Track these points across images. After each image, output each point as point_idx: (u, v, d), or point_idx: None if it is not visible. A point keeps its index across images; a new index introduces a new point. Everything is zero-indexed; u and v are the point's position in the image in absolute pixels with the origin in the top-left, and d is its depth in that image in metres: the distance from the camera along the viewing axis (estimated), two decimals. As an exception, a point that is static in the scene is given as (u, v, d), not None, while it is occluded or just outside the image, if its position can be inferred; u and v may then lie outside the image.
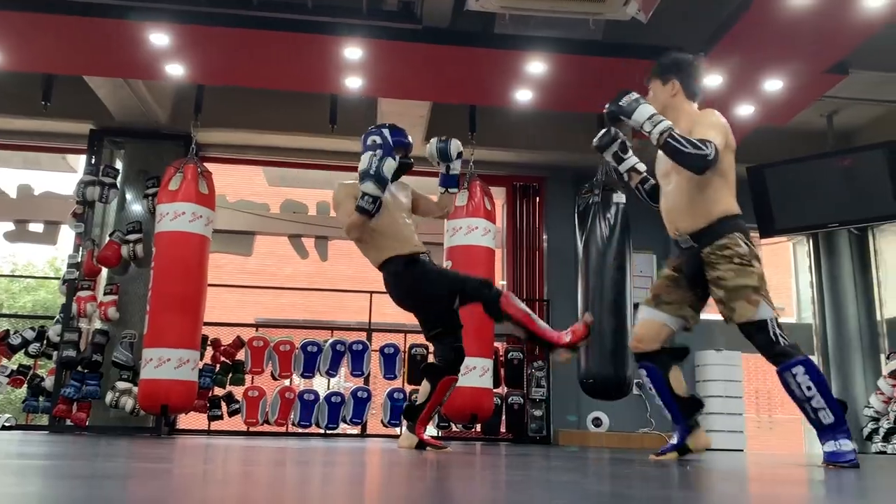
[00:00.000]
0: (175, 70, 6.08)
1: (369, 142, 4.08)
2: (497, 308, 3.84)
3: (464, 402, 6.13)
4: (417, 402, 4.08)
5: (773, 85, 6.10)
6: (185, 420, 7.44)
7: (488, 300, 3.87)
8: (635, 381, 6.09)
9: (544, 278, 8.00)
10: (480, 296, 3.91)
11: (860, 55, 5.91)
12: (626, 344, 5.78)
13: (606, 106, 3.24)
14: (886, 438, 7.80)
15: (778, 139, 7.82)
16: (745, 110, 6.55)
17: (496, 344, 6.85)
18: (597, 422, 7.24)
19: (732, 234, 3.17)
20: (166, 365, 5.81)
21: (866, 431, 8.11)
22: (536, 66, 5.92)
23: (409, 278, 4.00)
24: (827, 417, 2.94)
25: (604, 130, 3.62)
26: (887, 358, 8.30)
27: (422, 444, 4.03)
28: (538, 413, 7.22)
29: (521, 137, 7.71)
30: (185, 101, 7.17)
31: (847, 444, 2.92)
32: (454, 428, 7.07)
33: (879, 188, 7.01)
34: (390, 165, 3.76)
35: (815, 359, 8.94)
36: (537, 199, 8.31)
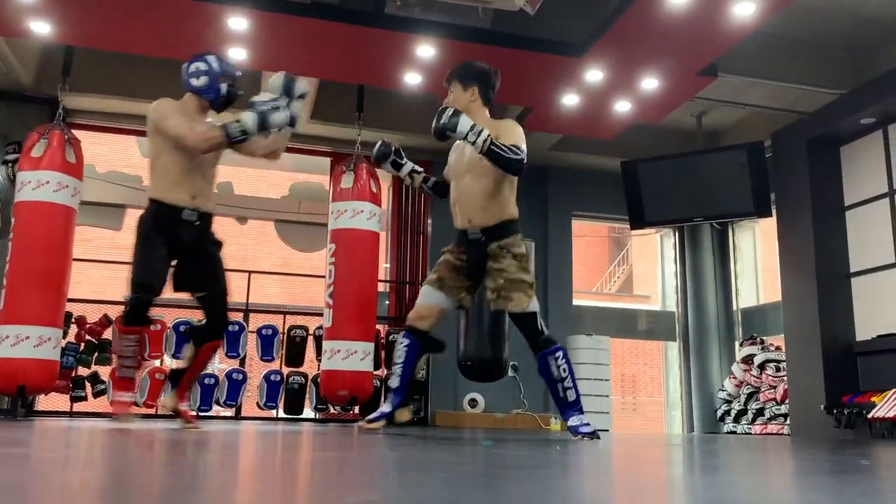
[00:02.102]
0: (41, 28, 5.66)
1: (192, 69, 3.81)
2: None
3: (343, 384, 6.11)
4: (180, 367, 4.01)
5: (650, 83, 6.40)
6: (46, 401, 7.02)
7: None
8: (511, 363, 6.27)
9: (428, 262, 8.08)
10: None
11: (728, 60, 6.30)
12: (504, 329, 5.95)
13: (433, 126, 3.57)
14: (737, 419, 8.43)
15: (651, 136, 8.23)
16: (623, 107, 6.84)
17: (378, 326, 6.86)
18: (472, 403, 7.42)
19: (516, 235, 3.65)
20: (24, 343, 5.44)
21: (719, 413, 8.74)
22: (426, 49, 5.94)
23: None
24: (572, 395, 3.58)
25: (378, 143, 4.09)
26: (741, 345, 8.97)
27: (177, 413, 3.87)
28: (417, 395, 7.30)
29: (410, 120, 7.72)
30: (53, 62, 6.69)
31: (585, 419, 3.59)
32: (332, 410, 7.03)
33: (740, 187, 7.52)
34: (278, 119, 3.61)
35: (677, 344, 9.53)
36: (422, 183, 8.35)
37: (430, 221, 8.19)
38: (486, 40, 5.95)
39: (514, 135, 3.59)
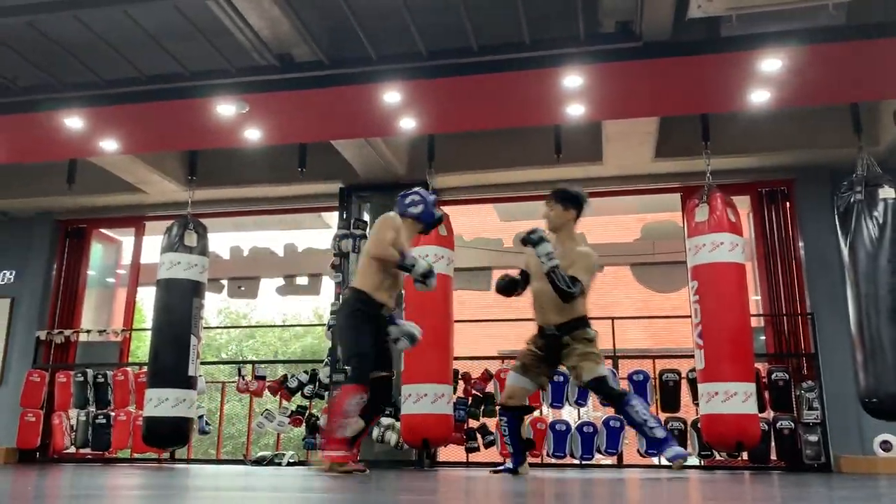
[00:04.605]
0: (407, 124, 6.48)
1: (408, 200, 4.81)
2: None
3: (727, 429, 5.74)
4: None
5: None
6: (445, 452, 7.74)
7: None
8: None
9: (805, 290, 7.28)
10: None
11: None
12: None
13: (523, 236, 4.55)
14: None
15: None
16: None
17: (757, 365, 6.35)
18: (886, 446, 6.40)
19: (586, 329, 4.51)
20: (423, 400, 6.11)
21: None
22: (772, 63, 5.50)
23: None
24: (661, 433, 4.27)
25: (502, 280, 4.95)
26: None
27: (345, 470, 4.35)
28: (813, 438, 6.54)
29: (762, 140, 7.18)
30: (419, 151, 7.61)
31: (679, 448, 4.34)
32: (718, 456, 6.63)
33: None
34: (432, 284, 4.63)
35: None
36: (787, 203, 7.62)
37: (801, 245, 7.41)
38: (839, 37, 5.31)
39: (583, 267, 4.49)
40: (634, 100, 6.10)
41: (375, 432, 6.95)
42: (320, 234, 10.60)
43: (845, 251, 5.76)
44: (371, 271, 4.59)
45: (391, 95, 6.00)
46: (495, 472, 4.79)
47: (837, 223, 5.88)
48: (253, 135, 6.74)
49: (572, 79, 5.74)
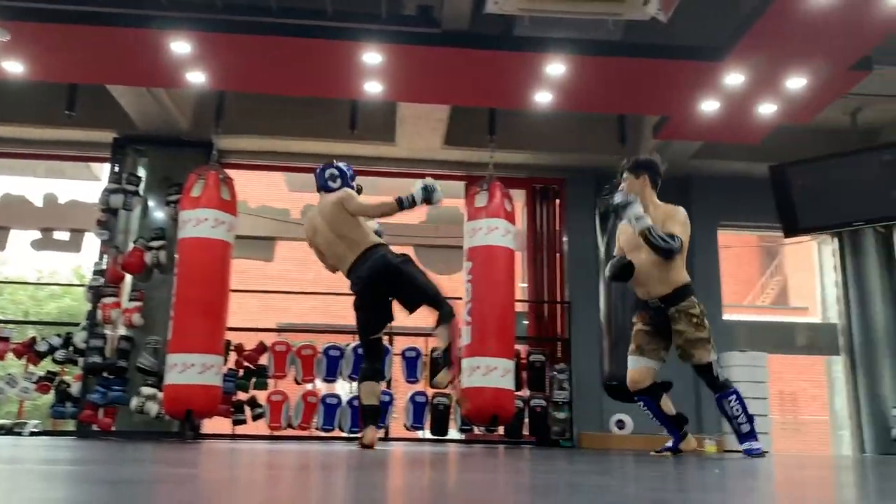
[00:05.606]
0: (196, 77, 6.13)
1: (328, 174, 4.71)
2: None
3: (485, 402, 6.11)
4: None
5: (796, 83, 6.03)
6: (210, 424, 7.49)
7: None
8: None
9: (565, 280, 7.97)
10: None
11: (884, 51, 5.83)
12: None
13: (614, 199, 4.36)
14: (916, 440, 7.67)
15: (800, 138, 7.73)
16: (767, 109, 6.49)
17: (518, 347, 6.82)
18: (620, 424, 7.19)
19: (690, 298, 4.31)
20: (190, 370, 5.85)
21: (895, 432, 7.99)
22: (556, 67, 5.91)
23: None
24: (746, 428, 4.26)
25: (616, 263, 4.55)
26: (916, 358, 8.17)
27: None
28: (561, 416, 7.18)
29: (541, 139, 7.69)
30: (207, 108, 7.23)
31: (757, 444, 4.26)
32: (476, 430, 7.05)
33: (905, 186, 6.91)
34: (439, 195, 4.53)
35: (842, 359, 8.83)
36: (557, 200, 8.28)
37: (565, 240, 8.08)
38: (618, 52, 5.84)
39: (678, 223, 4.29)
40: (430, 85, 6.26)
41: (135, 402, 6.56)
42: (87, 186, 9.72)
43: (602, 248, 6.34)
44: (371, 227, 4.63)
45: (180, 45, 5.64)
46: (657, 453, 4.56)
47: (597, 223, 6.45)
48: (14, 67, 6.02)
49: (372, 55, 5.76)
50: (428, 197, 4.47)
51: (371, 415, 4.49)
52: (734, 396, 4.26)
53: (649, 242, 4.19)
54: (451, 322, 4.43)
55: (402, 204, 4.44)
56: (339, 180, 4.69)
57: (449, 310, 4.41)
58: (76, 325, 7.26)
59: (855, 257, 8.78)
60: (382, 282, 4.40)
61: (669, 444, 4.58)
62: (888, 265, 8.72)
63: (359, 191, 4.78)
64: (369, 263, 4.39)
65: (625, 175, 4.55)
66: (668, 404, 4.52)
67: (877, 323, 8.53)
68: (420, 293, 4.44)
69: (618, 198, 4.34)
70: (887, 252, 8.76)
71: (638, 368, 4.47)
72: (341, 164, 4.78)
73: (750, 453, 4.23)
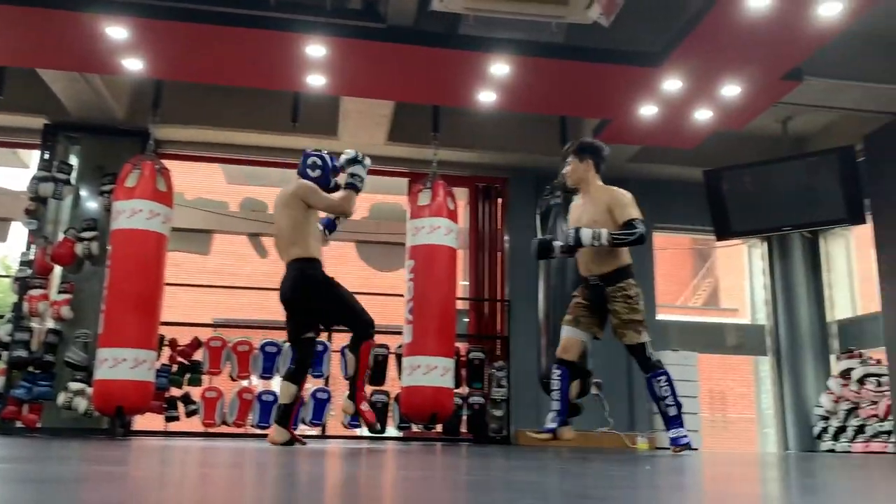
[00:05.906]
0: (133, 65, 5.96)
1: (310, 162, 4.62)
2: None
3: (424, 401, 6.12)
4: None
5: (731, 90, 6.22)
6: (142, 421, 7.30)
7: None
8: (594, 381, 6.15)
9: (506, 279, 8.04)
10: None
11: (814, 63, 6.06)
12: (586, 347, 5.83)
13: (561, 247, 4.43)
14: (836, 437, 8.01)
15: (733, 144, 7.98)
16: (703, 115, 6.67)
17: (457, 344, 6.86)
18: (556, 421, 7.28)
19: (628, 280, 4.38)
20: (122, 365, 5.69)
21: (817, 430, 8.32)
22: (500, 67, 5.95)
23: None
24: (673, 411, 4.26)
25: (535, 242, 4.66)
26: (837, 358, 8.53)
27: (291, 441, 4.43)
28: (498, 413, 7.25)
29: (484, 138, 7.74)
30: (144, 96, 7.03)
31: (684, 431, 4.27)
32: (414, 428, 7.05)
33: (830, 193, 7.20)
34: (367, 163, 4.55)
35: (769, 359, 9.15)
36: (499, 200, 8.34)
37: (507, 238, 8.16)
38: (560, 55, 5.92)
39: (628, 206, 4.37)
40: (373, 80, 6.22)
41: (62, 398, 6.34)
42: (14, 173, 9.35)
43: (542, 247, 6.40)
44: (314, 233, 4.52)
45: (116, 31, 5.48)
46: (537, 432, 4.69)
47: (538, 222, 6.52)
48: (-64, 47, 5.74)
49: (315, 48, 5.70)
50: (360, 161, 4.51)
51: (280, 413, 4.45)
52: (664, 377, 4.30)
53: (620, 245, 4.29)
54: (359, 348, 4.44)
55: (356, 186, 4.47)
56: (318, 170, 4.61)
57: (359, 335, 4.45)
58: (0, 317, 6.98)
59: (783, 261, 9.12)
60: (299, 298, 4.40)
61: (550, 426, 4.59)
62: (814, 269, 9.08)
63: (335, 188, 4.66)
64: (289, 282, 4.40)
65: (569, 158, 4.57)
66: (574, 389, 4.70)
67: (802, 325, 8.88)
68: (333, 318, 4.64)
69: (562, 248, 4.42)
70: (813, 257, 9.12)
71: (569, 337, 4.53)
72: (324, 154, 4.67)
73: (677, 443, 4.24)
